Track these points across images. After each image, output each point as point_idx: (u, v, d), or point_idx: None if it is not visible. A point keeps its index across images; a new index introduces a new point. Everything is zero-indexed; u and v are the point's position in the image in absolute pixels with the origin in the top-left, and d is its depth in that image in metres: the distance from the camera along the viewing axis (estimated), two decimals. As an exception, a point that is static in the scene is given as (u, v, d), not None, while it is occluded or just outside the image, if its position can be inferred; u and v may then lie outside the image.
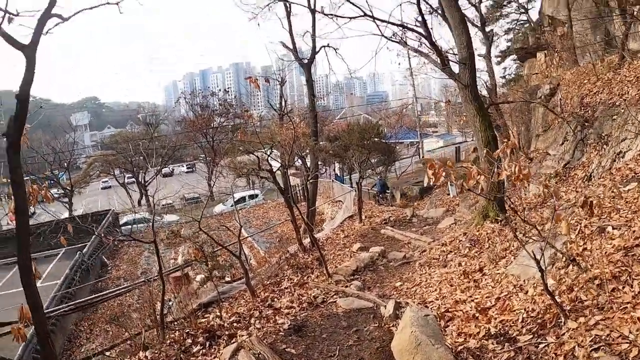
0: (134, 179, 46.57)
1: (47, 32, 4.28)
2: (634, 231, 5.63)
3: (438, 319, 6.19)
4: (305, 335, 6.63)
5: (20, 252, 4.54)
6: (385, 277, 9.97)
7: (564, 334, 4.38)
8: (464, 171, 5.01)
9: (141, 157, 37.24)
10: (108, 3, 4.82)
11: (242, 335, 6.67)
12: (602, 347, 3.87)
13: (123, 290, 13.14)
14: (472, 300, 6.67)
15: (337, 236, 15.95)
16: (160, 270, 7.99)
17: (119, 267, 22.74)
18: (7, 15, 4.04)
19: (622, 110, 10.97)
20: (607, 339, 3.95)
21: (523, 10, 30.90)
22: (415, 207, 20.59)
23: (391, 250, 12.17)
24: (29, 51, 4.16)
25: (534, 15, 30.01)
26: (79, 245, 19.12)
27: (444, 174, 4.79)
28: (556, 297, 4.82)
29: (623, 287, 4.59)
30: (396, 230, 14.45)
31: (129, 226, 27.74)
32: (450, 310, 6.62)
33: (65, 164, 43.41)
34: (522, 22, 32.22)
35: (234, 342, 6.39)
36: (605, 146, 11.17)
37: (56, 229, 7.55)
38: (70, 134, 47.72)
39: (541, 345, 4.43)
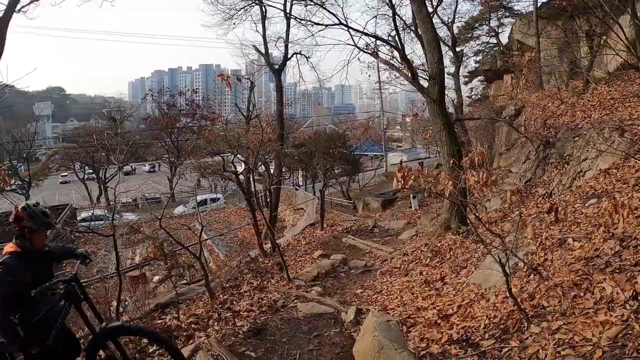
0: (94, 175, 45.36)
1: (19, 10, 4.07)
2: (593, 243, 5.73)
3: (400, 325, 6.14)
4: (265, 339, 6.43)
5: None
6: (346, 284, 9.88)
7: (527, 338, 4.38)
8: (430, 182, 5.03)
9: (103, 153, 36.11)
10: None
11: (201, 337, 6.42)
12: (565, 350, 3.89)
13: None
14: (434, 308, 6.66)
15: (298, 243, 15.84)
16: (118, 265, 7.67)
17: (73, 264, 21.87)
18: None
19: (585, 132, 11.33)
20: (571, 342, 3.97)
21: (493, 34, 31.73)
22: (377, 218, 20.70)
23: (352, 258, 12.12)
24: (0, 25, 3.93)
25: (503, 39, 30.90)
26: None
27: (412, 177, 4.77)
28: (519, 304, 4.84)
29: (584, 294, 4.65)
30: (358, 240, 14.43)
31: (87, 222, 26.83)
32: (412, 316, 6.57)
33: (25, 154, 41.93)
34: (491, 44, 33.06)
35: (191, 343, 6.16)
36: (566, 165, 11.51)
37: (8, 218, 7.12)
38: (32, 124, 45.92)
39: (505, 350, 4.41)
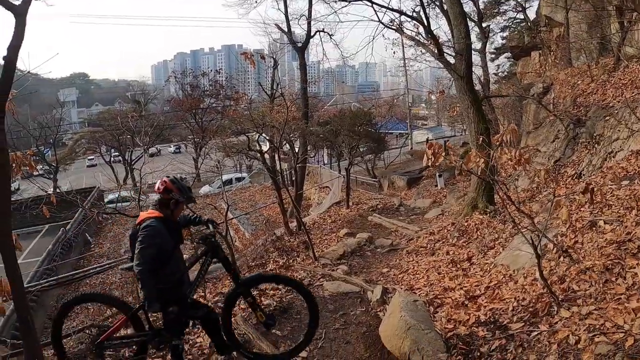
0: (120, 157, 46.02)
1: (40, -4, 4.09)
2: (625, 226, 5.61)
3: (427, 305, 6.16)
4: (291, 317, 6.53)
5: (0, 221, 4.24)
6: (372, 263, 9.93)
7: (557, 322, 4.34)
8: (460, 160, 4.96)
9: (128, 136, 37.01)
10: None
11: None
12: (596, 336, 3.84)
13: (106, 266, 12.90)
14: (461, 288, 6.65)
15: (324, 221, 15.91)
16: None
17: (102, 245, 22.44)
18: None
19: (616, 111, 11.00)
20: (602, 328, 3.91)
21: (520, 9, 30.83)
22: (402, 196, 20.62)
23: (378, 237, 12.15)
24: (20, 10, 3.96)
25: (531, 14, 29.98)
26: (62, 223, 18.84)
27: (442, 154, 4.72)
28: (549, 287, 4.78)
29: (616, 279, 4.57)
30: (384, 218, 14.42)
31: (114, 204, 27.34)
32: (439, 297, 6.58)
33: (51, 140, 42.68)
34: (518, 20, 32.19)
35: None
36: (596, 145, 11.21)
37: (39, 203, 7.30)
38: (58, 110, 46.71)
39: (534, 334, 4.38)
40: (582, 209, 7.06)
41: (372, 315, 6.54)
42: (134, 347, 4.70)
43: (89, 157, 57.99)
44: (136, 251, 4.14)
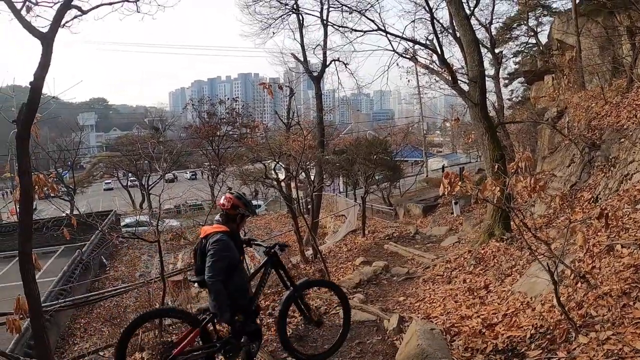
0: (136, 182, 46.51)
1: (64, 25, 4.29)
2: (643, 250, 5.54)
3: (444, 334, 6.09)
4: (307, 346, 6.48)
5: (21, 240, 4.43)
6: (388, 292, 9.86)
7: (575, 348, 4.27)
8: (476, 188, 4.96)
9: (146, 161, 37.35)
10: (127, 0, 4.82)
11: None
12: None
13: (121, 290, 12.95)
14: (479, 317, 6.58)
15: (339, 249, 15.87)
16: (162, 270, 7.86)
17: (117, 268, 22.44)
18: (26, 3, 4.06)
19: (631, 133, 10.93)
20: (620, 353, 3.86)
21: (532, 34, 30.87)
22: (418, 224, 20.51)
23: (394, 265, 12.08)
24: (47, 39, 4.15)
25: (543, 39, 30.07)
26: (79, 244, 19.03)
27: (459, 183, 4.74)
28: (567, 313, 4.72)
29: (634, 303, 4.51)
30: (399, 246, 14.37)
31: (130, 228, 27.58)
32: (455, 325, 6.50)
33: (70, 162, 43.42)
34: (531, 45, 32.17)
35: None
36: (612, 168, 11.11)
37: (59, 224, 7.44)
38: (77, 133, 47.74)
39: (552, 360, 4.33)
40: (598, 233, 6.98)
41: (389, 344, 6.47)
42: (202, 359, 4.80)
43: (106, 181, 58.88)
44: (208, 264, 4.37)
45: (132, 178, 49.10)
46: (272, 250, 5.04)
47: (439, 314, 7.42)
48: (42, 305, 5.95)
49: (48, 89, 4.73)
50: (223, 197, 4.81)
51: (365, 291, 9.71)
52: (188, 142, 50.22)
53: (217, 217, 4.76)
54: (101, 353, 6.72)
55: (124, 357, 4.47)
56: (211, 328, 4.68)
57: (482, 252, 10.53)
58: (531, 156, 5.07)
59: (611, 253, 6.03)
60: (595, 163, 12.23)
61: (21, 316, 4.78)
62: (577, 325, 4.57)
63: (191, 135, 48.79)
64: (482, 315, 6.61)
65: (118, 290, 12.90)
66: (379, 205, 30.58)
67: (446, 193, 4.79)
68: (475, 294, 8.06)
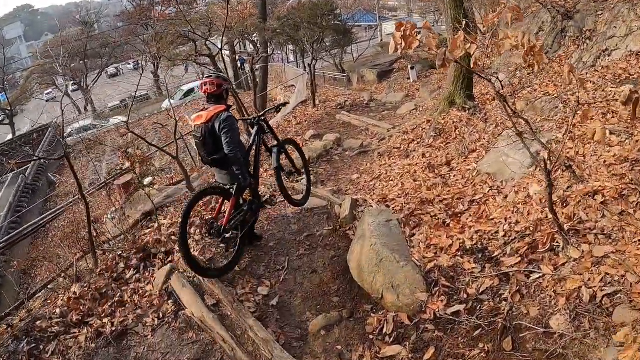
0: (77, 86, 43.36)
1: None
2: (637, 141, 4.73)
3: (402, 225, 5.40)
4: (250, 245, 5.57)
5: None
6: (340, 169, 9.12)
7: (563, 264, 3.53)
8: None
9: (80, 61, 36.99)
10: None
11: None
12: (616, 294, 3.03)
13: (49, 218, 12.10)
14: (441, 202, 5.90)
15: (288, 124, 14.81)
16: (80, 188, 6.57)
17: (66, 182, 21.11)
18: None
19: (612, 6, 9.77)
20: (623, 283, 3.09)
21: None
22: (373, 91, 19.53)
23: (347, 137, 11.23)
24: None
25: None
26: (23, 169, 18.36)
27: (417, 39, 3.51)
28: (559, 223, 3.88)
29: (635, 211, 3.71)
30: (353, 116, 13.40)
31: (77, 135, 25.98)
32: (416, 213, 5.78)
33: (4, 82, 40.51)
34: None
35: (169, 262, 5.40)
36: (588, 41, 10.12)
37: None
38: (4, 49, 42.57)
39: (534, 276, 3.60)
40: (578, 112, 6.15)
41: (341, 235, 5.81)
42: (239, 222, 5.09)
43: (46, 92, 54.11)
44: (227, 139, 4.65)
45: (72, 82, 45.16)
46: (261, 120, 5.54)
47: (397, 196, 6.64)
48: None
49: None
50: (204, 83, 4.92)
51: (315, 170, 8.90)
52: (122, 31, 46.03)
53: (206, 103, 4.94)
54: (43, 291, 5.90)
55: (185, 240, 4.56)
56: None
57: (442, 122, 9.54)
58: (519, 7, 3.87)
59: (597, 137, 5.22)
60: (567, 34, 11.20)
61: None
62: (566, 230, 3.79)
63: (125, 23, 44.72)
64: (446, 200, 5.91)
65: (47, 219, 12.26)
66: (332, 72, 29.23)
67: (399, 51, 3.53)
68: (437, 171, 7.30)
